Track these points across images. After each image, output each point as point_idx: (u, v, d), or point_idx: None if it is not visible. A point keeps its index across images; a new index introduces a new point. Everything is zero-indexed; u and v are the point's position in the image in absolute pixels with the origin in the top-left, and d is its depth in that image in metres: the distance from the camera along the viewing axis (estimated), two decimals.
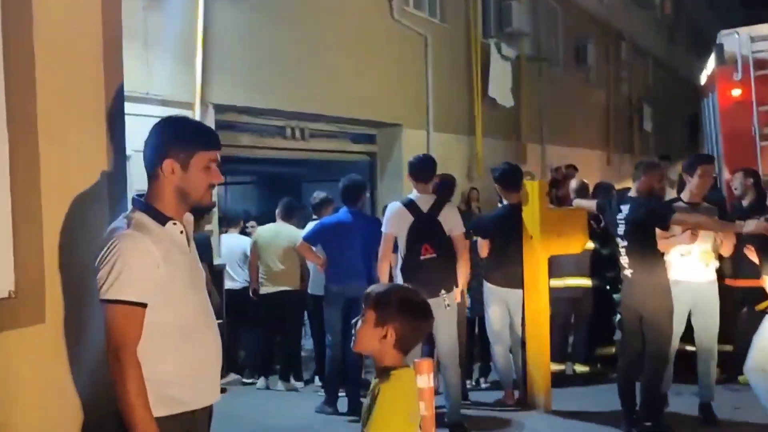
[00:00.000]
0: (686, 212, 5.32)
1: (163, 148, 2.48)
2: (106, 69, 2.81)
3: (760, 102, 6.58)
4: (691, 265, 5.40)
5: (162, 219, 2.48)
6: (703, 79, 8.55)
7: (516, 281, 6.14)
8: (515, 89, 13.32)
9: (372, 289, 2.55)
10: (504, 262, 6.20)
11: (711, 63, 7.42)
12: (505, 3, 13.11)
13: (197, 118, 6.94)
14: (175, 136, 2.52)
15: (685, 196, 5.49)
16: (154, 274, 2.38)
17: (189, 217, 2.63)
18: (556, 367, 6.68)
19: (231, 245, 7.80)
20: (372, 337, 2.44)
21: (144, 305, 2.36)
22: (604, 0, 18.48)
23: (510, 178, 6.31)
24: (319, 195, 7.15)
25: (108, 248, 2.35)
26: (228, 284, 7.49)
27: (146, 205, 2.50)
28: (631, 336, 5.44)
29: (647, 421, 5.33)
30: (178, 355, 2.47)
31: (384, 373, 2.43)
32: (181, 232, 2.55)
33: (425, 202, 5.58)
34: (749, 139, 6.72)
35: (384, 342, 2.43)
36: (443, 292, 5.43)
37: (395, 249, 5.64)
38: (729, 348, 6.08)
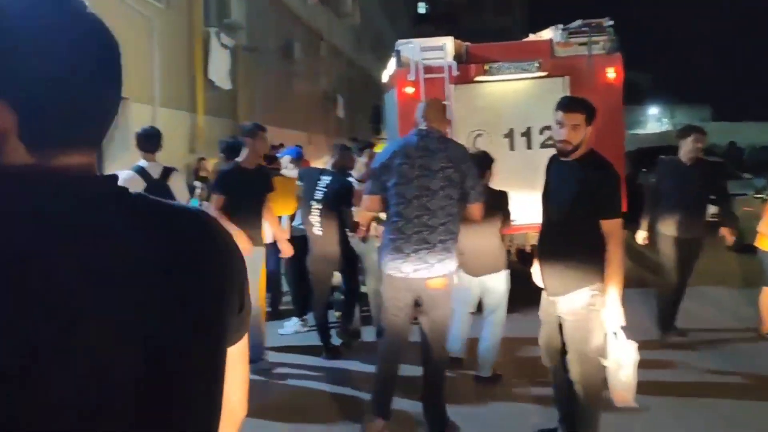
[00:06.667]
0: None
1: None
2: None
3: (427, 98, 7.11)
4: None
5: None
6: (385, 77, 9.04)
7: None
8: (233, 74, 13.02)
9: None
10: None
11: (392, 65, 7.86)
12: None
13: None
14: None
15: (355, 174, 6.20)
16: None
17: None
18: None
19: None
20: None
21: None
22: (308, 2, 18.80)
23: (230, 150, 6.20)
24: None
25: None
26: None
27: None
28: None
29: None
30: None
31: None
32: None
33: (155, 170, 5.23)
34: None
35: None
36: None
37: None
38: None
